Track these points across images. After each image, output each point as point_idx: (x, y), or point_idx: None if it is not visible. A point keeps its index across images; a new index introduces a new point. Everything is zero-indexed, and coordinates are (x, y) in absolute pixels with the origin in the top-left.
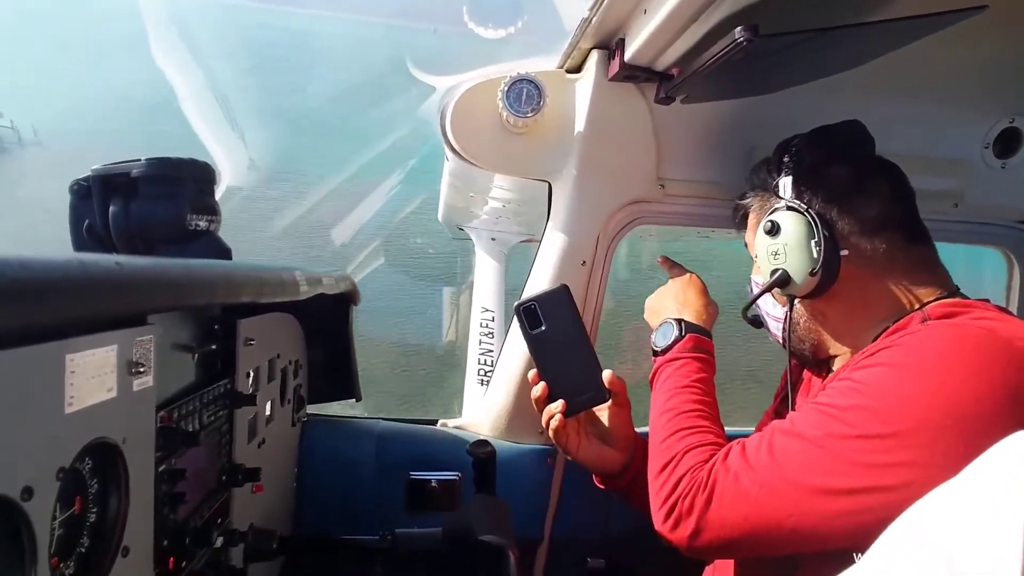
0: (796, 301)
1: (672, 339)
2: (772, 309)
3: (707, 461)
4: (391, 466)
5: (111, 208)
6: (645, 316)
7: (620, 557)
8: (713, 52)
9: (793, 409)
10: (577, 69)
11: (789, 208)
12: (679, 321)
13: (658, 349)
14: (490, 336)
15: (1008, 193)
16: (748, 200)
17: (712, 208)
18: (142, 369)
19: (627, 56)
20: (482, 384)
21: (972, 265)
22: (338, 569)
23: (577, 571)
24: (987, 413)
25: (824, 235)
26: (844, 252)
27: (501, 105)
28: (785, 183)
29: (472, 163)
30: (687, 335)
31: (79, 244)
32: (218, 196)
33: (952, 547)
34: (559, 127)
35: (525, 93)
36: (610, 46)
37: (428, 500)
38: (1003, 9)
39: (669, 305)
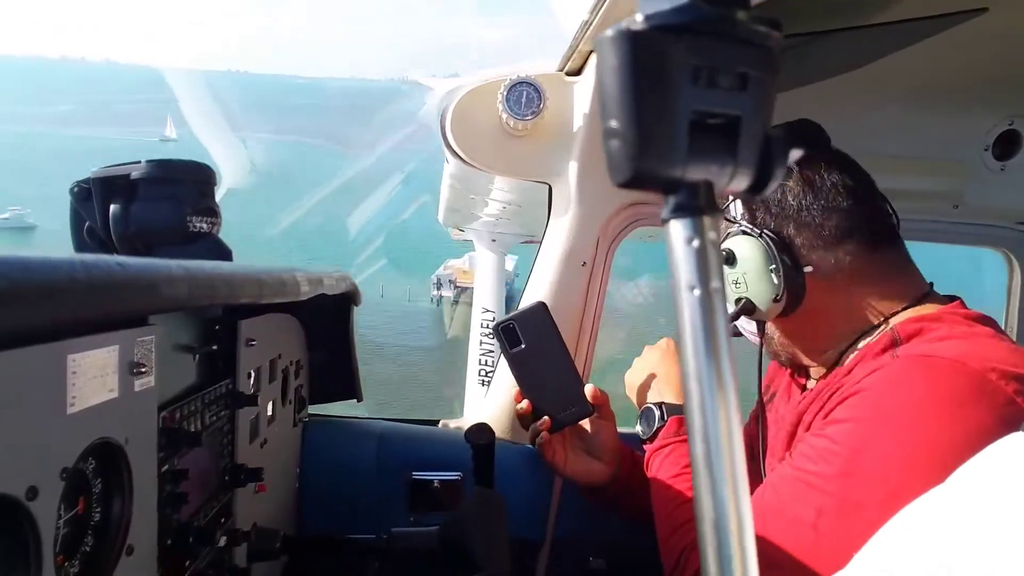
0: (766, 324)
1: (655, 426)
2: (747, 325)
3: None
4: (393, 466)
5: (111, 210)
6: (627, 393)
7: (622, 558)
8: None
9: (763, 417)
10: (577, 72)
11: (743, 233)
12: (659, 405)
13: (644, 437)
14: (491, 337)
15: (1008, 195)
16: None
17: None
18: (143, 369)
19: None
20: (483, 384)
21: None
22: (341, 568)
23: (579, 572)
24: (966, 460)
25: (783, 260)
26: (808, 269)
27: (501, 108)
28: (735, 204)
29: (472, 165)
30: (669, 419)
31: (80, 246)
32: (218, 198)
33: (949, 552)
34: (559, 129)
35: (525, 96)
36: None
37: (431, 500)
38: (1002, 12)
39: (648, 383)
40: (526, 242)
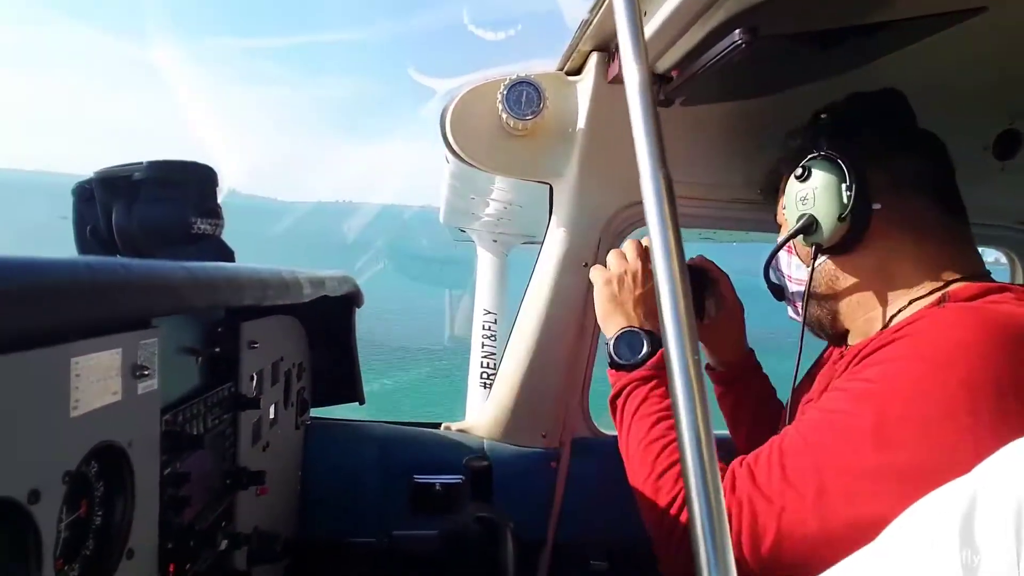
0: (822, 257)
1: (643, 354)
2: (795, 271)
3: None
4: (395, 469)
5: (114, 211)
6: (597, 301)
7: (623, 559)
8: (712, 54)
9: (795, 385)
10: (577, 71)
11: (823, 157)
12: (649, 333)
13: (623, 362)
14: (492, 339)
15: (1008, 195)
16: (781, 167)
17: (713, 209)
18: (146, 372)
19: None
20: (484, 387)
21: None
22: (341, 571)
23: (580, 573)
24: (1012, 406)
25: (855, 183)
26: (876, 206)
27: (501, 107)
28: (820, 137)
29: (472, 165)
30: (659, 350)
31: (83, 247)
32: (220, 199)
33: (967, 547)
34: (559, 129)
35: (525, 95)
36: (610, 48)
37: (432, 503)
38: (1002, 11)
39: (625, 297)
40: (527, 243)
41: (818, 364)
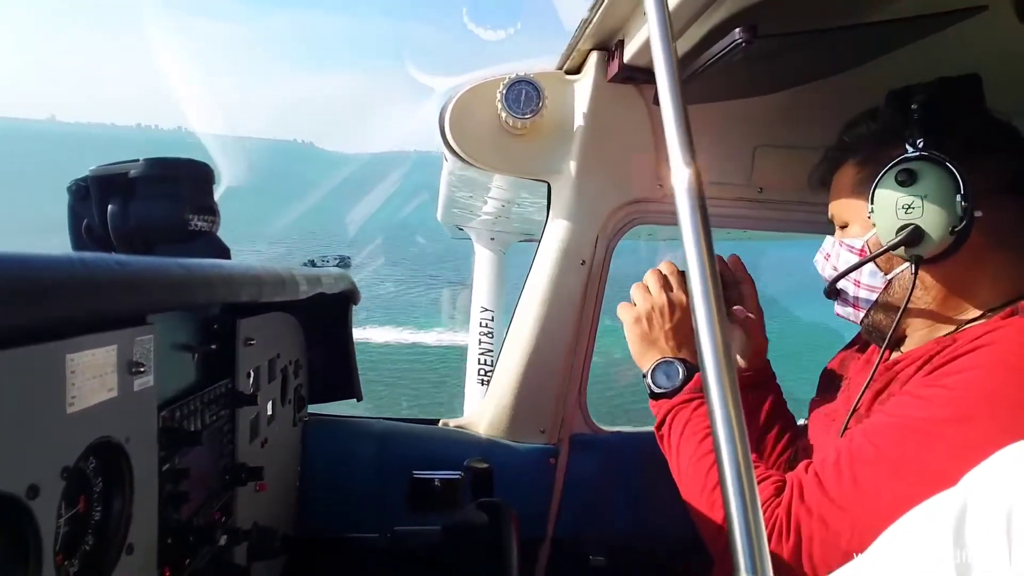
0: (905, 264)
1: (680, 380)
2: (867, 277)
3: (776, 497)
4: (393, 465)
5: (110, 208)
6: (635, 359)
7: (622, 555)
8: (712, 53)
9: (860, 396)
10: (576, 70)
11: (927, 159)
12: (683, 361)
13: (662, 390)
14: (490, 336)
15: None
16: (848, 154)
17: (712, 207)
18: (142, 369)
19: (626, 57)
20: (482, 384)
21: None
22: (340, 567)
23: (579, 569)
24: None
25: (968, 191)
26: (978, 214)
27: (500, 106)
28: (916, 132)
29: (471, 163)
30: (696, 375)
31: (78, 244)
32: (216, 196)
33: (960, 550)
34: (558, 128)
35: (524, 94)
36: (609, 47)
37: (431, 499)
38: (1002, 10)
39: (657, 334)
40: (525, 240)
41: (849, 365)
